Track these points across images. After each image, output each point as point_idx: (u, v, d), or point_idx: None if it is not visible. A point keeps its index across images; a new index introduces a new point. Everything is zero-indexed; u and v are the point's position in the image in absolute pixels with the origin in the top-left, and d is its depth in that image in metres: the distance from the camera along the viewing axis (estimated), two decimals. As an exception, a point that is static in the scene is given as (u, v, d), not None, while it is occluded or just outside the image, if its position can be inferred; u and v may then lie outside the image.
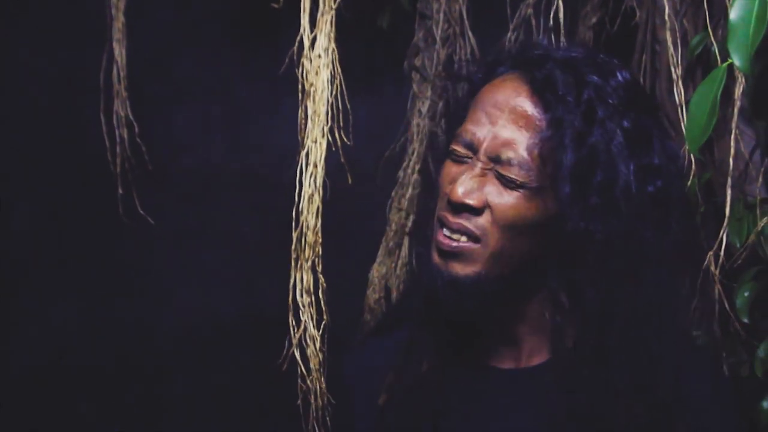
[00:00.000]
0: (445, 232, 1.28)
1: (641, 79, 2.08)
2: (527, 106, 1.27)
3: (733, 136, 1.77)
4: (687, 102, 1.88)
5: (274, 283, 3.01)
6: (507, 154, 1.25)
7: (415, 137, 2.15)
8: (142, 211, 2.19)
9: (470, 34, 2.13)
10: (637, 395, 1.25)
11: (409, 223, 2.18)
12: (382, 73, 2.51)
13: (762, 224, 1.78)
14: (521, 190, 1.25)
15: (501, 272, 1.27)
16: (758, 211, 1.80)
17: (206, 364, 2.90)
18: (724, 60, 1.39)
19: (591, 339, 1.26)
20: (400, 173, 2.20)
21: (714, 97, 1.22)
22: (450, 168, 1.31)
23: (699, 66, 2.02)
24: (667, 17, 1.79)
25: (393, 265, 2.20)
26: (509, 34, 2.07)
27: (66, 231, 2.76)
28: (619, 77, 1.30)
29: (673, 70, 1.82)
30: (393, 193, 2.24)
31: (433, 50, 2.14)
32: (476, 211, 1.26)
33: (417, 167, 2.16)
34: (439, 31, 2.11)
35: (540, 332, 1.35)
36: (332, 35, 1.62)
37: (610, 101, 1.26)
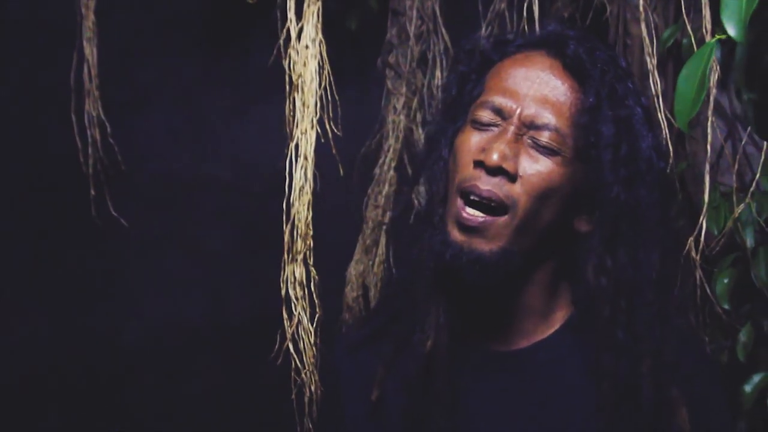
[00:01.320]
0: (468, 210, 1.26)
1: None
2: (561, 79, 1.29)
3: (709, 123, 1.80)
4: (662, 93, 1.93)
5: (241, 291, 3.01)
6: (543, 119, 1.26)
7: (390, 134, 2.15)
8: (115, 213, 2.15)
9: (443, 30, 2.14)
10: (651, 364, 1.27)
11: (386, 220, 2.17)
12: (351, 74, 2.51)
13: (738, 211, 1.81)
14: (556, 158, 1.27)
15: (525, 246, 1.27)
16: (734, 198, 1.83)
17: (175, 371, 2.86)
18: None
19: (620, 303, 1.28)
20: (377, 170, 2.19)
21: (703, 72, 1.23)
22: (472, 135, 1.30)
23: (670, 59, 2.05)
24: (641, 8, 1.80)
25: (370, 262, 2.19)
26: (482, 30, 2.08)
27: (33, 238, 2.71)
28: (622, 62, 1.37)
29: (648, 60, 1.84)
30: (369, 191, 2.23)
31: (407, 47, 2.14)
32: (510, 178, 1.25)
33: (393, 164, 2.15)
34: (413, 28, 2.11)
35: (536, 312, 1.34)
36: (319, 26, 1.61)
37: (629, 82, 1.33)
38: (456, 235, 1.26)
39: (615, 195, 1.27)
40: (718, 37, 1.26)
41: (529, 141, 1.27)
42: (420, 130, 2.15)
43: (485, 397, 1.33)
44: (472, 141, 1.29)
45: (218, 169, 2.96)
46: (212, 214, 2.95)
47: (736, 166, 1.84)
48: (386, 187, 2.16)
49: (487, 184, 1.24)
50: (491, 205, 1.25)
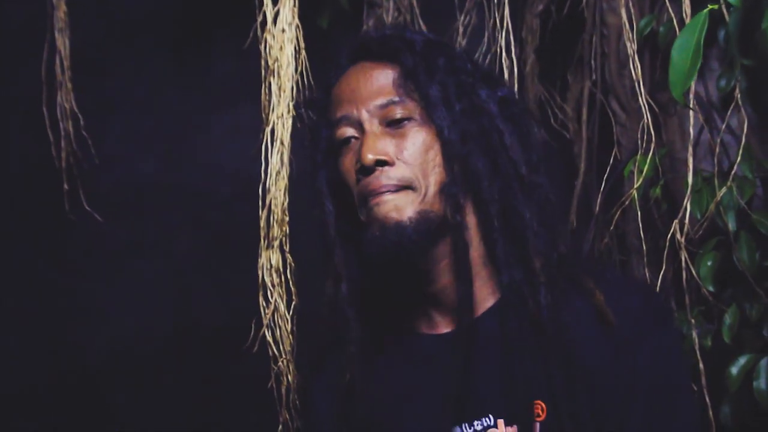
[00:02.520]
0: (372, 198, 1.36)
1: (591, 63, 2.13)
2: (376, 68, 1.42)
3: (691, 106, 1.81)
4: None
5: (211, 297, 2.97)
6: (383, 98, 1.39)
7: (368, 126, 2.12)
8: (88, 208, 2.11)
9: (420, 21, 2.14)
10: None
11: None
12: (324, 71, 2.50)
13: (720, 195, 1.82)
14: (412, 124, 1.38)
15: (432, 209, 1.36)
16: (716, 182, 1.84)
17: (145, 380, 2.81)
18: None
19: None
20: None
21: (697, 41, 1.24)
22: (345, 158, 1.41)
23: (647, 48, 2.07)
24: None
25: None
26: (460, 19, 2.08)
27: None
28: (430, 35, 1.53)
29: (628, 45, 1.85)
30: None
31: (384, 38, 2.12)
32: (390, 164, 1.36)
33: (371, 156, 2.12)
34: (389, 19, 2.11)
35: (476, 280, 1.40)
36: (296, 10, 1.60)
37: (444, 48, 1.47)
38: (376, 225, 1.35)
39: (449, 136, 1.37)
40: (711, 7, 1.27)
41: (387, 129, 1.39)
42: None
43: (438, 381, 1.38)
44: (348, 161, 1.41)
45: (186, 174, 2.93)
46: (180, 219, 2.91)
47: (717, 150, 1.85)
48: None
49: (377, 182, 1.35)
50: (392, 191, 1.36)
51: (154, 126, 2.90)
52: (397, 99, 1.38)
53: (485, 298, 1.40)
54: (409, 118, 1.38)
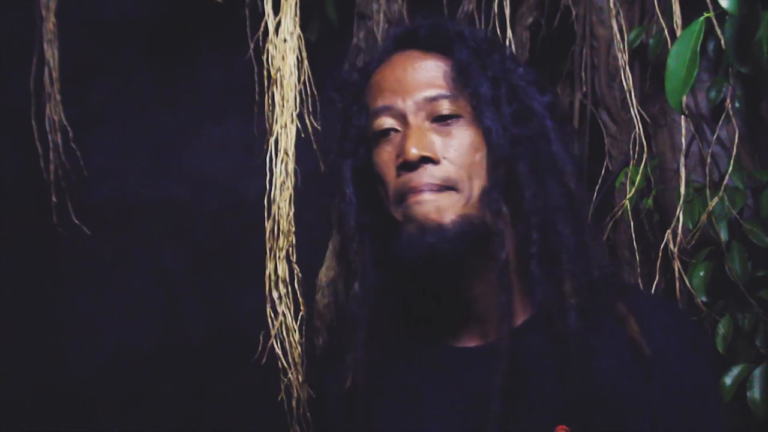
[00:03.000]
0: (412, 196, 1.29)
1: (582, 76, 2.13)
2: (426, 58, 1.34)
3: (683, 119, 1.82)
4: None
5: (198, 311, 2.95)
6: (433, 92, 1.31)
7: (360, 137, 2.12)
8: (77, 221, 2.09)
9: (411, 33, 2.13)
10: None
11: (356, 225, 2.14)
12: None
13: (712, 205, 1.83)
14: (460, 122, 1.31)
15: (474, 214, 1.29)
16: (707, 193, 1.84)
17: (130, 397, 2.79)
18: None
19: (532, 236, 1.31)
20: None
21: (693, 49, 1.24)
22: (383, 150, 1.34)
23: (636, 59, 2.07)
24: (612, 5, 1.82)
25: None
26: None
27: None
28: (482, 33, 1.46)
29: (619, 56, 1.85)
30: (339, 195, 2.20)
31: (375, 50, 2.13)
32: (435, 162, 1.29)
33: (363, 168, 2.12)
34: (380, 31, 2.10)
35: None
36: (297, 20, 1.59)
37: (497, 46, 1.41)
38: (413, 226, 1.28)
39: (499, 139, 1.30)
40: (706, 15, 1.27)
41: (433, 124, 1.31)
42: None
43: (459, 394, 1.33)
44: (386, 154, 1.33)
45: (173, 188, 2.92)
46: (167, 232, 2.90)
47: (709, 160, 1.86)
48: (356, 191, 2.12)
49: (419, 179, 1.28)
50: (438, 189, 1.29)
51: (141, 139, 2.89)
52: (447, 93, 1.31)
53: (516, 314, 1.34)
54: (457, 116, 1.31)
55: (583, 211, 1.37)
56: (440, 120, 1.31)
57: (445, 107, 1.31)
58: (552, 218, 1.31)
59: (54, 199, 2.06)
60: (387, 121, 1.33)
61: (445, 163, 1.29)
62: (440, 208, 1.27)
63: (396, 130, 1.33)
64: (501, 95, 1.33)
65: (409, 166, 1.28)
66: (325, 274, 2.15)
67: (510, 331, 1.28)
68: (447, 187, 1.28)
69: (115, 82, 2.83)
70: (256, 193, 3.01)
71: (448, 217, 1.27)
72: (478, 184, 1.30)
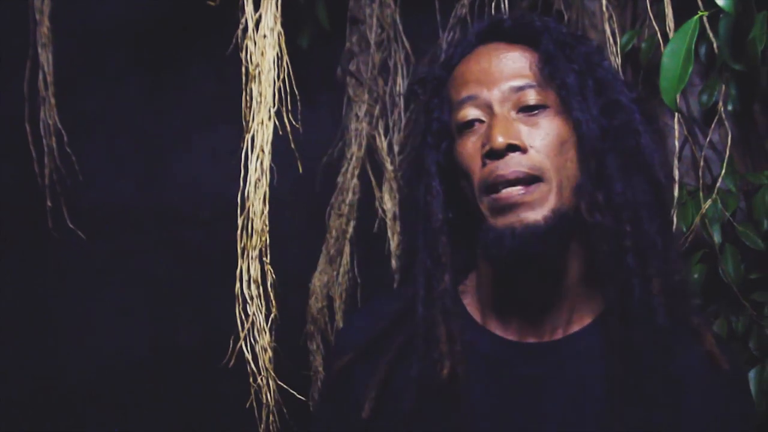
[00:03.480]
0: (503, 192, 1.26)
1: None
2: (512, 49, 1.33)
3: (675, 120, 1.82)
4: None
5: (189, 320, 2.94)
6: (520, 81, 1.29)
7: (353, 141, 2.13)
8: (72, 225, 2.08)
9: (404, 38, 2.14)
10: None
11: (350, 230, 2.14)
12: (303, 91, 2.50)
13: (705, 207, 1.83)
14: (547, 112, 1.29)
15: (567, 204, 1.27)
16: (701, 195, 1.85)
17: (121, 405, 2.78)
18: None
19: (625, 229, 1.27)
20: (339, 178, 2.16)
21: (688, 47, 1.25)
22: (467, 141, 1.31)
23: (628, 63, 2.08)
24: (604, 8, 1.83)
25: (335, 273, 2.15)
26: (443, 36, 2.09)
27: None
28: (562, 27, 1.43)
29: (612, 58, 1.86)
30: (332, 199, 2.20)
31: (368, 55, 2.13)
32: (523, 151, 1.26)
33: (356, 172, 2.13)
34: (373, 36, 2.11)
35: (573, 300, 1.33)
36: (278, 16, 1.58)
37: (578, 36, 1.40)
38: (502, 221, 1.25)
39: (589, 130, 1.28)
40: (701, 13, 1.28)
41: (518, 114, 1.29)
42: (383, 138, 2.13)
43: (515, 392, 1.31)
44: (471, 145, 1.30)
45: (164, 195, 2.91)
46: (159, 240, 2.89)
47: (702, 163, 1.86)
48: (350, 195, 2.13)
49: (506, 168, 1.26)
50: (521, 181, 1.26)
51: (132, 146, 2.89)
52: (534, 83, 1.29)
53: (582, 315, 1.33)
54: (544, 106, 1.29)
55: (670, 208, 1.36)
56: (527, 110, 1.29)
57: (531, 97, 1.29)
58: (640, 213, 1.28)
59: (49, 203, 2.04)
60: (472, 112, 1.31)
61: (532, 152, 1.26)
62: (532, 204, 1.25)
63: (481, 121, 1.31)
64: (588, 87, 1.31)
65: (496, 154, 1.26)
66: (318, 279, 2.15)
67: (616, 321, 1.27)
68: (534, 176, 1.25)
69: (104, 90, 2.82)
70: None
71: (540, 213, 1.25)
72: (567, 176, 1.27)
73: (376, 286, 2.11)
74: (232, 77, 2.88)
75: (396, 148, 2.15)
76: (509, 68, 1.30)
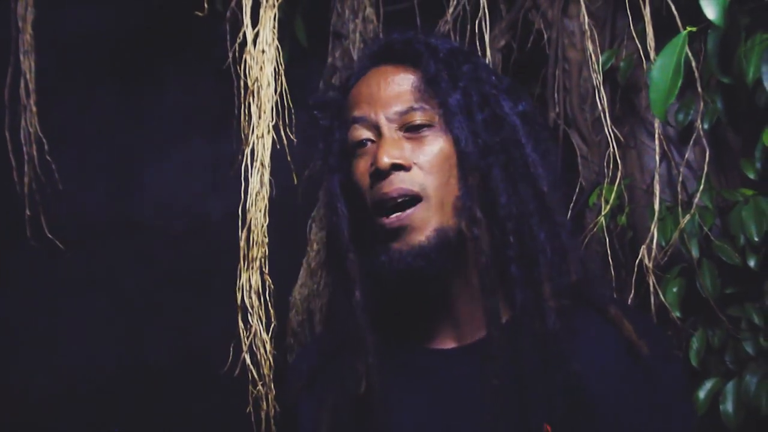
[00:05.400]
0: (389, 218, 1.32)
1: (554, 97, 2.17)
2: (397, 71, 1.39)
3: (657, 135, 1.86)
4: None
5: (160, 335, 2.92)
6: (405, 103, 1.35)
7: (336, 154, 2.13)
8: (50, 235, 2.05)
9: (387, 53, 2.16)
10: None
11: (331, 243, 2.14)
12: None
13: (684, 222, 1.87)
14: (431, 131, 1.35)
15: (448, 224, 1.32)
16: (680, 210, 1.88)
17: (87, 415, 2.75)
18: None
19: (508, 239, 1.33)
20: (321, 192, 2.16)
21: (677, 61, 1.28)
22: (359, 162, 1.38)
23: (606, 83, 2.12)
24: (586, 27, 1.86)
25: (315, 286, 2.14)
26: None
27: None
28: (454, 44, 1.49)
29: (594, 77, 1.89)
30: (314, 213, 2.20)
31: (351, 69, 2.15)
32: (407, 169, 1.32)
33: (339, 185, 2.13)
34: (356, 51, 2.12)
35: (475, 304, 1.36)
36: (275, 31, 1.60)
37: (469, 56, 1.44)
38: (392, 245, 1.32)
39: (468, 147, 1.34)
40: (689, 29, 1.31)
41: (405, 134, 1.35)
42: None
43: (437, 397, 1.35)
44: (361, 165, 1.37)
45: (136, 209, 2.89)
46: (130, 254, 2.87)
47: (681, 178, 1.90)
48: (331, 208, 2.13)
49: (390, 186, 1.32)
50: (405, 201, 1.32)
51: (104, 160, 2.87)
52: (416, 106, 1.35)
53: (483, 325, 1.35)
54: (428, 125, 1.35)
55: (559, 215, 1.39)
56: (413, 129, 1.35)
57: (416, 118, 1.35)
58: (527, 222, 1.34)
59: (28, 212, 2.02)
60: (363, 133, 1.37)
61: (415, 169, 1.33)
62: (414, 226, 1.31)
63: (371, 141, 1.37)
64: (472, 104, 1.36)
65: (382, 174, 1.32)
66: (299, 292, 2.14)
67: (499, 330, 1.31)
68: (418, 194, 1.31)
69: (77, 102, 2.80)
70: (221, 214, 3.01)
71: (423, 234, 1.31)
72: (448, 192, 1.33)
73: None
74: (205, 91, 2.90)
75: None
76: (394, 92, 1.37)
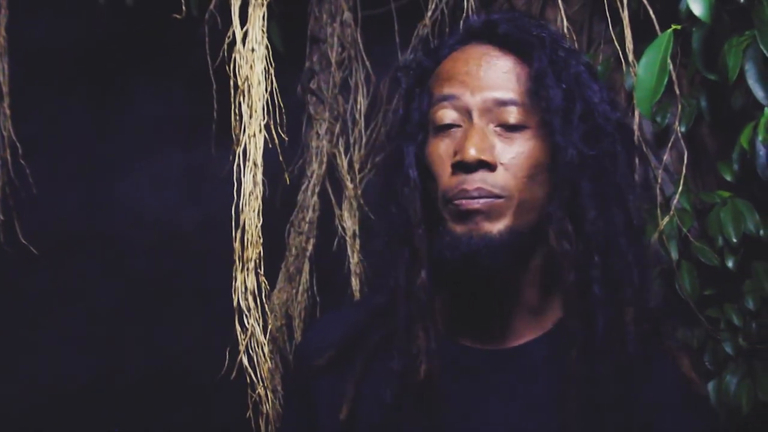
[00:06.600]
0: (462, 201, 1.24)
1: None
2: (502, 58, 1.28)
3: (636, 137, 1.87)
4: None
5: (133, 348, 2.88)
6: (505, 96, 1.25)
7: (314, 159, 2.12)
8: (24, 241, 2.02)
9: (365, 56, 2.16)
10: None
11: (310, 247, 2.13)
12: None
13: (663, 224, 1.88)
14: (525, 133, 1.25)
15: (529, 224, 1.25)
16: (658, 212, 1.90)
17: (64, 430, 2.71)
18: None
19: (593, 259, 1.26)
20: (300, 196, 2.15)
21: (663, 58, 1.28)
22: (440, 143, 1.28)
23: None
24: (565, 30, 1.87)
25: (294, 291, 2.13)
26: (404, 56, 2.11)
27: None
28: (552, 28, 1.40)
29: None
30: (292, 217, 2.19)
31: (329, 73, 2.14)
32: (492, 168, 1.24)
33: (317, 189, 2.12)
34: (334, 55, 2.12)
35: (531, 310, 1.32)
36: (264, 29, 1.58)
37: (566, 44, 1.33)
38: (461, 228, 1.24)
39: (569, 156, 1.25)
40: (674, 27, 1.31)
41: (496, 128, 1.26)
42: (343, 156, 2.13)
43: (474, 396, 1.30)
44: (442, 148, 1.27)
45: (107, 221, 2.86)
46: (101, 266, 2.84)
47: (660, 180, 1.91)
48: (309, 213, 2.12)
49: (472, 183, 1.23)
50: (482, 196, 1.24)
51: (74, 171, 2.84)
52: (518, 101, 1.25)
53: (537, 325, 1.32)
54: (524, 126, 1.25)
55: (643, 238, 1.33)
56: (506, 127, 1.26)
57: (512, 115, 1.25)
58: (615, 241, 1.27)
59: (1, 216, 1.99)
60: (449, 114, 1.27)
61: (500, 169, 1.24)
62: (488, 214, 1.23)
63: (457, 126, 1.27)
64: (575, 110, 1.27)
65: (466, 167, 1.23)
66: (277, 297, 2.13)
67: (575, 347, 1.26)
68: (500, 196, 1.23)
69: (47, 112, 2.77)
70: (193, 226, 2.99)
71: (496, 226, 1.23)
72: (530, 197, 1.25)
73: (336, 305, 2.10)
74: (179, 100, 2.88)
75: (357, 166, 2.15)
76: (497, 77, 1.26)
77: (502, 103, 1.25)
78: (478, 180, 1.23)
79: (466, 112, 1.26)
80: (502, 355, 1.31)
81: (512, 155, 1.24)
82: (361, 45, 2.16)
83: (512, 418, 1.28)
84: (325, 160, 2.12)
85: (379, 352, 1.32)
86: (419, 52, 1.43)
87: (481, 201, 1.22)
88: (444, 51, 1.34)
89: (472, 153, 1.22)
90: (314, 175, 2.11)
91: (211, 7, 1.92)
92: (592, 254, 1.26)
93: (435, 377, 1.27)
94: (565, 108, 1.25)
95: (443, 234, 1.25)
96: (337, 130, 2.14)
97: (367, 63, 2.16)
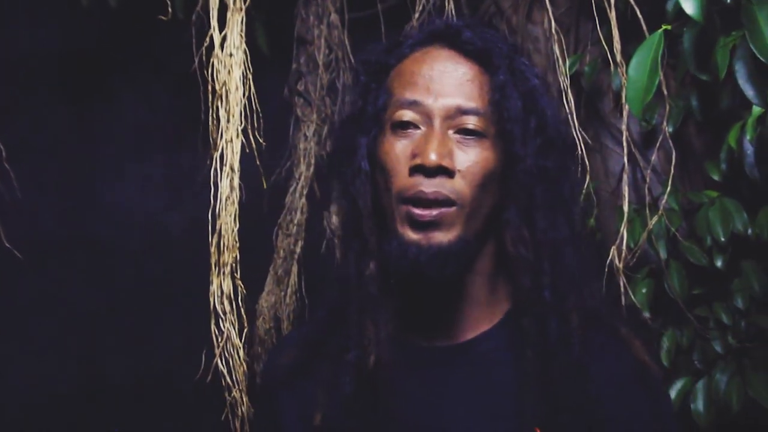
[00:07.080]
0: (419, 209, 1.25)
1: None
2: (465, 65, 1.29)
3: (624, 137, 1.88)
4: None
5: (116, 354, 2.86)
6: (467, 104, 1.27)
7: (301, 161, 2.11)
8: (8, 245, 2.00)
9: (352, 58, 2.15)
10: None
11: (298, 249, 2.12)
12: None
13: (652, 224, 1.88)
14: (484, 142, 1.27)
15: (476, 231, 1.28)
16: (648, 213, 1.90)
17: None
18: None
19: (544, 266, 1.29)
20: (288, 198, 2.14)
21: (653, 59, 1.28)
22: (397, 142, 1.28)
23: (571, 88, 2.13)
24: (553, 31, 1.87)
25: (282, 293, 2.12)
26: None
27: None
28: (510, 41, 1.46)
29: (561, 80, 1.90)
30: (280, 219, 2.18)
31: (316, 75, 2.14)
32: (450, 174, 1.25)
33: (305, 191, 2.12)
34: (321, 57, 2.11)
35: (480, 304, 1.34)
36: (243, 35, 1.58)
37: (523, 58, 1.36)
38: (412, 234, 1.25)
39: (528, 166, 1.28)
40: (665, 27, 1.32)
41: (455, 135, 1.27)
42: (332, 157, 2.13)
43: (430, 392, 1.32)
44: (399, 148, 1.28)
45: (92, 226, 2.84)
46: (85, 272, 2.82)
47: (648, 180, 1.92)
48: (297, 215, 2.11)
49: (430, 187, 1.24)
50: (438, 200, 1.25)
51: (59, 177, 2.82)
52: (480, 110, 1.27)
53: (487, 318, 1.34)
54: (482, 135, 1.27)
55: (585, 245, 1.37)
56: (464, 133, 1.27)
57: (472, 122, 1.27)
58: (561, 250, 1.30)
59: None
60: (410, 115, 1.28)
61: (457, 177, 1.25)
62: (440, 225, 1.25)
63: (416, 127, 1.28)
64: (530, 122, 1.30)
65: (426, 171, 1.24)
66: (265, 300, 2.12)
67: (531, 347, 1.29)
68: (454, 202, 1.25)
69: (30, 119, 2.76)
70: (179, 230, 2.98)
71: (447, 236, 1.25)
72: (481, 205, 1.27)
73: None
74: (161, 107, 2.86)
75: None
76: (460, 84, 1.28)
77: (464, 111, 1.27)
78: (436, 184, 1.24)
79: (427, 117, 1.28)
80: (455, 350, 1.33)
81: (469, 163, 1.26)
82: (348, 47, 2.16)
83: (470, 414, 1.29)
84: (312, 161, 2.11)
85: (340, 352, 1.33)
86: (378, 47, 1.39)
87: (435, 212, 1.24)
88: (404, 50, 1.35)
89: (433, 158, 1.24)
90: (302, 177, 2.10)
91: (198, 8, 1.91)
92: (543, 261, 1.29)
93: (385, 368, 1.28)
94: (522, 121, 1.28)
95: (392, 239, 1.27)
96: (324, 131, 2.14)
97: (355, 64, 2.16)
